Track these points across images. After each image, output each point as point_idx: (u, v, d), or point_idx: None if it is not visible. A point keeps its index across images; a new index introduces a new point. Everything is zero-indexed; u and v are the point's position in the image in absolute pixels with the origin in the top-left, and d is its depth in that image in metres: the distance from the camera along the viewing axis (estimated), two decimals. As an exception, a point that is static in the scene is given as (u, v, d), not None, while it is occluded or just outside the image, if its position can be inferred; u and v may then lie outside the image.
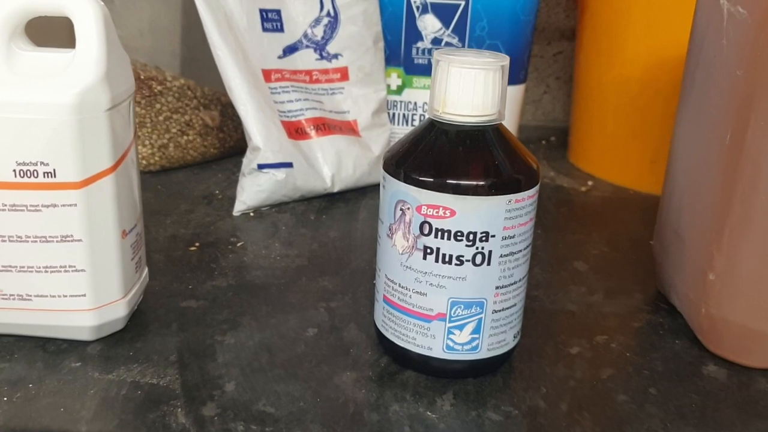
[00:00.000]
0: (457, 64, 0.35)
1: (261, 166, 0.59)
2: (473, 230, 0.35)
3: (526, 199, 0.35)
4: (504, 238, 0.35)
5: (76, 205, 0.36)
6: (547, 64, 0.92)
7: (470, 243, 0.35)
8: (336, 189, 0.64)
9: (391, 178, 0.36)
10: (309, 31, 0.65)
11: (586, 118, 0.75)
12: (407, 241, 0.36)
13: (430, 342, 0.37)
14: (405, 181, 0.35)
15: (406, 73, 0.70)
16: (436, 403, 0.36)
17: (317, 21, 0.65)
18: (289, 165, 0.60)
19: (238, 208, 0.59)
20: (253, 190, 0.59)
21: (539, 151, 0.82)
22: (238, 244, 0.53)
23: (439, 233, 0.35)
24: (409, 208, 0.35)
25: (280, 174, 0.60)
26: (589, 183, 0.71)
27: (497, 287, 0.36)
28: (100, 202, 0.37)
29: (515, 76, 0.71)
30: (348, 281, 0.48)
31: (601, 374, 0.39)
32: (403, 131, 0.71)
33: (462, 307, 0.36)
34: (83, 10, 0.36)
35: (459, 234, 0.35)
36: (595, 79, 0.73)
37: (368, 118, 0.67)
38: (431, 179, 0.35)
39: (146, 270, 0.43)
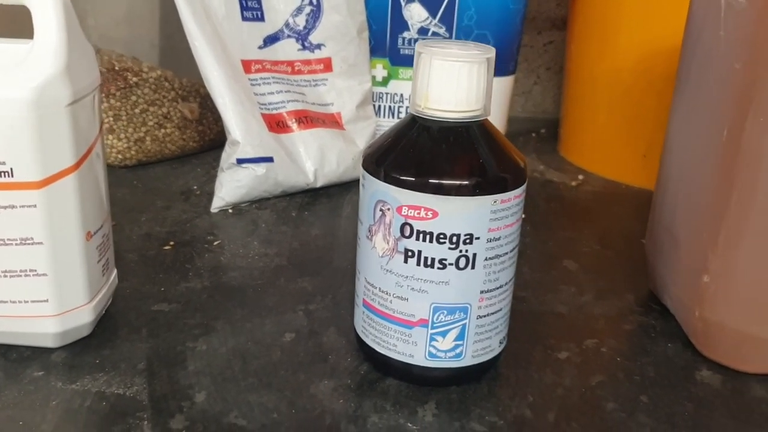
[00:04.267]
0: (440, 56, 0.33)
1: (240, 161, 0.57)
2: (456, 232, 0.33)
3: (513, 199, 0.34)
4: (489, 240, 0.33)
5: (35, 206, 0.34)
6: (537, 55, 0.90)
7: (453, 245, 0.33)
8: (319, 184, 0.62)
9: (371, 176, 0.34)
10: (291, 20, 0.63)
11: (577, 111, 0.73)
12: (387, 243, 0.34)
13: (411, 349, 0.35)
14: (385, 180, 0.33)
15: (392, 64, 0.68)
16: (417, 414, 0.34)
17: (299, 10, 0.63)
18: (270, 159, 0.58)
19: (217, 204, 0.57)
20: (231, 185, 0.57)
21: (529, 143, 0.80)
22: (215, 243, 0.51)
23: (421, 235, 0.33)
24: (389, 209, 0.34)
25: (260, 169, 0.57)
26: (580, 177, 0.69)
27: (482, 292, 0.34)
28: (62, 202, 0.35)
29: (504, 67, 0.69)
30: (328, 282, 0.46)
31: (591, 381, 0.38)
32: (389, 124, 0.69)
33: (445, 312, 0.34)
34: (42, -2, 0.34)
35: (441, 236, 0.33)
36: (586, 70, 0.71)
37: (352, 111, 0.65)
38: (412, 178, 0.33)
39: (115, 272, 0.41)
